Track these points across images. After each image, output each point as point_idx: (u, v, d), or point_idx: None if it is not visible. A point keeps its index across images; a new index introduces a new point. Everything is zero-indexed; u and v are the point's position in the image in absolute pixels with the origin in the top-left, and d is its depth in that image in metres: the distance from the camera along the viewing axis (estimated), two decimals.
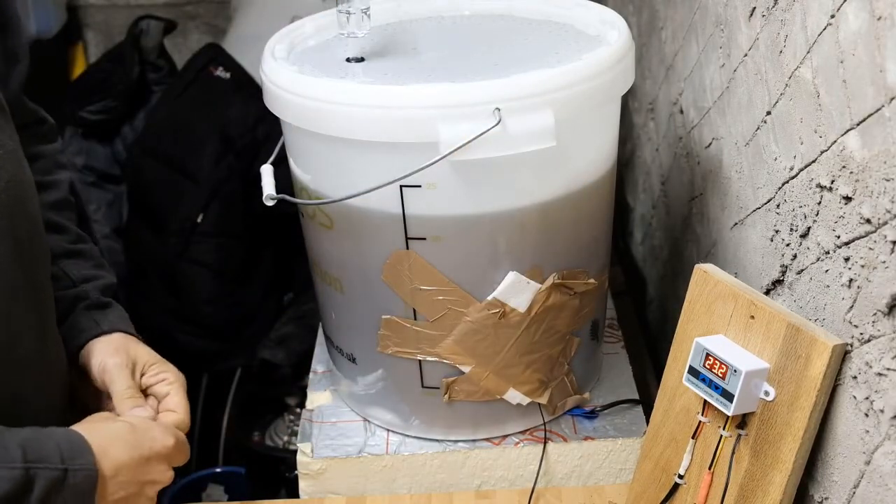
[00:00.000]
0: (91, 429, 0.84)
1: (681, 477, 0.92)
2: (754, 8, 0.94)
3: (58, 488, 0.78)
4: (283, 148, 1.06)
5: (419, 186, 0.91)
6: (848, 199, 0.74)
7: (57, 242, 0.99)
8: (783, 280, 0.91)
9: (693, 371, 0.87)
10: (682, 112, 1.27)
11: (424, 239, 0.95)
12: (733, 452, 0.86)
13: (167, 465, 0.87)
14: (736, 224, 1.05)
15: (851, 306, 0.75)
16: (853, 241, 0.74)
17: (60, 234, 1.01)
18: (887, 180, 0.68)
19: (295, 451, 1.09)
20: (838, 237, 0.77)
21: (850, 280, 0.75)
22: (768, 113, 0.92)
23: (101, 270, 1.02)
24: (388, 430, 1.10)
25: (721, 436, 0.87)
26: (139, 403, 0.92)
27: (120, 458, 0.83)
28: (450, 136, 0.87)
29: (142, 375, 0.95)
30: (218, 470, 1.61)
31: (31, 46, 1.94)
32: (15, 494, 0.76)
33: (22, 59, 0.96)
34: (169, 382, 0.95)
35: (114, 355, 0.95)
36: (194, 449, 1.76)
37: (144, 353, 0.97)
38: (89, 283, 1.00)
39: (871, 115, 0.69)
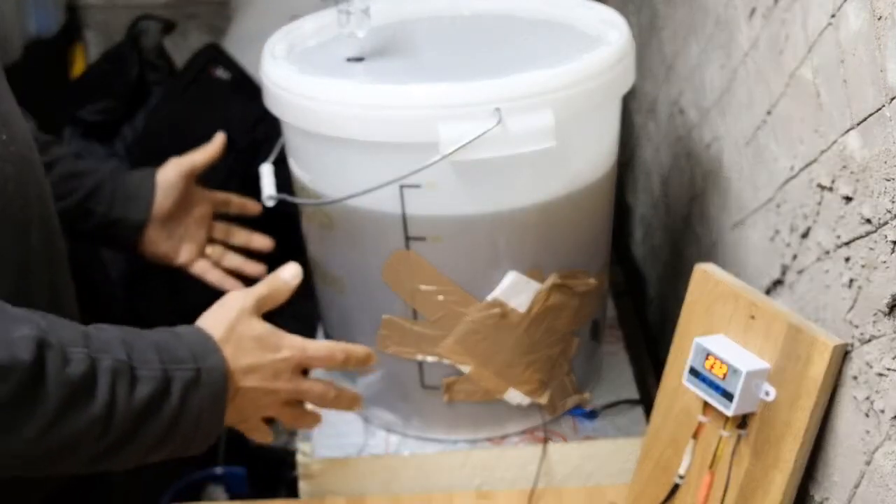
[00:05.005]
0: (226, 331, 0.84)
1: (681, 477, 0.92)
2: (754, 8, 0.94)
3: (194, 387, 0.79)
4: (283, 148, 1.06)
5: (419, 186, 0.91)
6: (848, 198, 0.74)
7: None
8: (783, 280, 0.91)
9: (693, 371, 0.87)
10: (682, 112, 1.27)
11: (424, 239, 0.95)
12: (733, 453, 0.86)
13: (291, 374, 0.88)
14: (736, 224, 1.05)
15: (852, 306, 0.75)
16: (853, 240, 0.74)
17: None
18: (888, 180, 0.68)
19: (295, 451, 1.09)
20: (839, 237, 0.77)
21: (851, 280, 0.75)
22: (768, 113, 0.92)
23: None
24: (388, 430, 1.10)
25: (721, 436, 0.87)
26: None
27: (247, 362, 0.84)
28: (450, 136, 0.87)
29: None
30: (218, 470, 1.60)
31: (31, 46, 1.95)
32: (157, 396, 0.77)
33: None
34: None
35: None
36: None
37: None
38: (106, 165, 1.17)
39: (872, 114, 0.69)
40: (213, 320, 0.86)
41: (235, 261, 1.21)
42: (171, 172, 1.16)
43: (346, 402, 0.94)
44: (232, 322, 0.85)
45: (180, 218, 1.17)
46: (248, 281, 1.20)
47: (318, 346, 0.90)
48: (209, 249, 1.21)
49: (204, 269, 1.19)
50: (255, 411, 0.88)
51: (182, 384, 0.78)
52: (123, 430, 0.75)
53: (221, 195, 1.22)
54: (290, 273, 0.91)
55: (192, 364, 0.80)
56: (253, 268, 1.21)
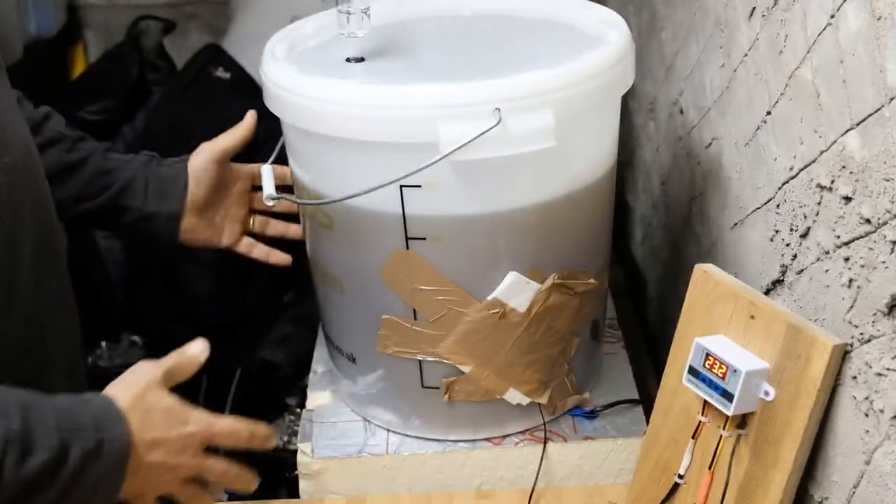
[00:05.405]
0: (133, 399, 0.82)
1: (681, 477, 0.92)
2: (754, 8, 0.94)
3: (94, 457, 0.77)
4: (283, 148, 1.06)
5: (419, 186, 0.91)
6: (848, 199, 0.74)
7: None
8: (783, 280, 0.91)
9: (693, 371, 0.87)
10: (682, 112, 1.27)
11: (424, 239, 0.95)
12: (733, 452, 0.86)
13: (196, 450, 0.85)
14: (736, 224, 1.05)
15: (851, 306, 0.75)
16: (853, 241, 0.74)
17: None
18: (887, 180, 0.68)
19: (295, 451, 1.09)
20: (838, 237, 0.77)
21: (850, 280, 0.75)
22: (768, 113, 0.92)
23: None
24: (388, 430, 1.10)
25: (721, 436, 0.87)
26: None
27: (153, 435, 0.82)
28: (450, 136, 0.87)
29: None
30: None
31: (31, 46, 1.94)
32: (51, 465, 0.75)
33: None
34: None
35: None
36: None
37: None
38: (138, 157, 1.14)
39: (871, 115, 0.69)
40: (121, 389, 0.83)
41: (279, 227, 1.20)
42: (203, 159, 1.13)
43: (244, 481, 0.91)
44: (141, 391, 0.83)
45: (218, 202, 1.15)
46: (291, 247, 1.20)
47: (224, 423, 0.88)
48: (251, 220, 1.20)
49: (249, 247, 1.19)
50: (154, 488, 0.85)
51: (81, 452, 0.76)
52: (13, 496, 0.74)
53: (257, 167, 1.17)
54: (197, 349, 0.90)
55: (94, 433, 0.77)
56: (296, 230, 1.19)
